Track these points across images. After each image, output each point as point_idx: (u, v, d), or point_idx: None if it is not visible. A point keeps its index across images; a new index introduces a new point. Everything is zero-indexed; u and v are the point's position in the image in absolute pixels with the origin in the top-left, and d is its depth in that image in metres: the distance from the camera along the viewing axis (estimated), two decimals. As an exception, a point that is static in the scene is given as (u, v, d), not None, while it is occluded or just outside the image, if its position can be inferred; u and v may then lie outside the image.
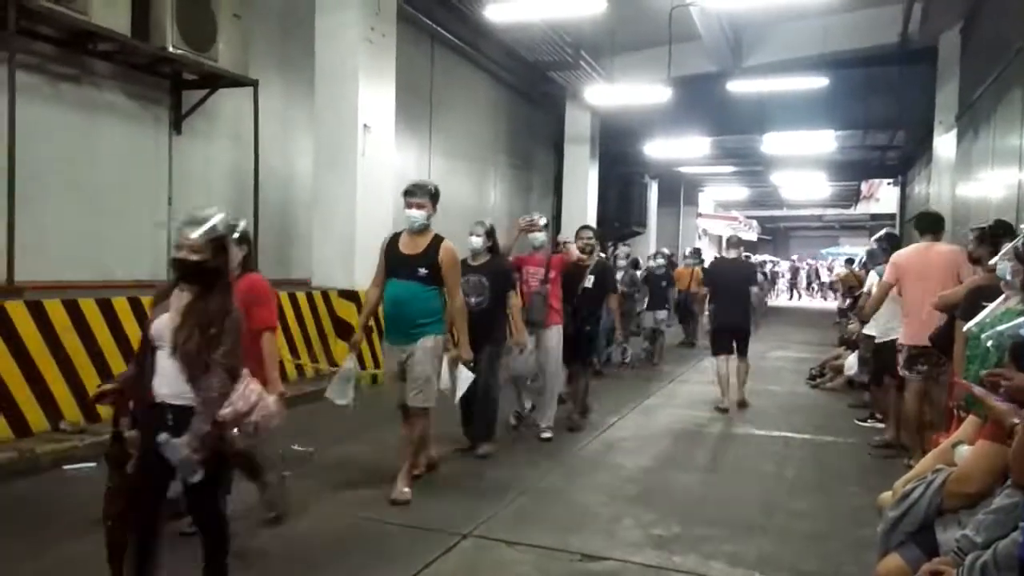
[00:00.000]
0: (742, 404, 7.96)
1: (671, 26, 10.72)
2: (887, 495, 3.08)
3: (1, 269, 5.65)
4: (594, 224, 16.25)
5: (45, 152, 6.16)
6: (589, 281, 6.65)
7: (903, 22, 10.98)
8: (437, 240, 4.65)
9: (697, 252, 14.86)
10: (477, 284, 5.54)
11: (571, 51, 12.04)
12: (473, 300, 5.36)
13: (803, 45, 12.53)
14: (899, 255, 5.73)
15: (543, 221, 6.33)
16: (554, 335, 6.22)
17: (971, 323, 3.16)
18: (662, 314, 11.33)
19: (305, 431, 5.64)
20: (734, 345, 7.87)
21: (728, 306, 7.87)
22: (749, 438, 6.79)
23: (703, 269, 12.78)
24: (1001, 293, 4.16)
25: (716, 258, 11.10)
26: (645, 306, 11.33)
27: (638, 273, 11.73)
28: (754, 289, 8.40)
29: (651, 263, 12.02)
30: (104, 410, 5.91)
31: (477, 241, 5.62)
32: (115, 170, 6.81)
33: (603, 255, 9.37)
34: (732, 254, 8.26)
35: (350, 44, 8.19)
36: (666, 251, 12.95)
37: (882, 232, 7.23)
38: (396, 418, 4.91)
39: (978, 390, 2.64)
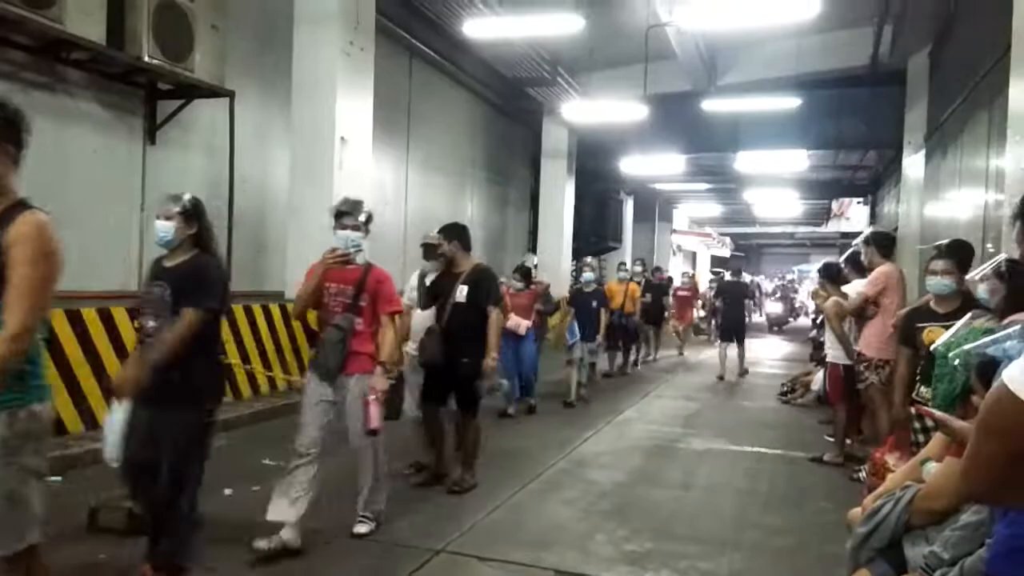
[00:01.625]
0: (743, 374, 12.04)
1: (647, 45, 10.84)
2: (856, 511, 3.12)
3: (-33, 279, 5.53)
4: (570, 240, 16.34)
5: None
6: (461, 293, 5.10)
7: (874, 44, 11.21)
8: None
9: (641, 262, 13.19)
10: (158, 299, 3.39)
11: (549, 68, 12.12)
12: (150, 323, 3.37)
13: (777, 65, 12.73)
14: (883, 272, 5.83)
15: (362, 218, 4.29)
16: (355, 387, 4.07)
17: (938, 342, 3.23)
18: (591, 345, 9.21)
19: (276, 444, 5.57)
20: (734, 337, 11.90)
21: (731, 312, 12.16)
22: (722, 453, 6.84)
23: (670, 282, 12.63)
24: (932, 314, 4.29)
25: (723, 280, 15.19)
26: (576, 336, 9.02)
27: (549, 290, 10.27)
28: (748, 302, 13.15)
29: (582, 277, 9.73)
30: (71, 423, 5.82)
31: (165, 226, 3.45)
32: (88, 179, 6.72)
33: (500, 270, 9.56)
34: (731, 278, 13.62)
35: (328, 57, 8.18)
36: (590, 261, 11.52)
37: (849, 252, 7.37)
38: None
39: (938, 414, 2.70)
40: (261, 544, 3.85)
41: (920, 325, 4.28)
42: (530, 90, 13.54)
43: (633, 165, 16.42)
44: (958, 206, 8.99)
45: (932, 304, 4.37)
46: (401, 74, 11.42)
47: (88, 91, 6.74)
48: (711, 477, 6.01)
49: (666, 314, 14.25)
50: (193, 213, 3.43)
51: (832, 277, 6.75)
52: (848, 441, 6.62)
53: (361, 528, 4.25)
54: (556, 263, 15.59)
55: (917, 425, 4.18)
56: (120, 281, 6.96)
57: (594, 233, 18.39)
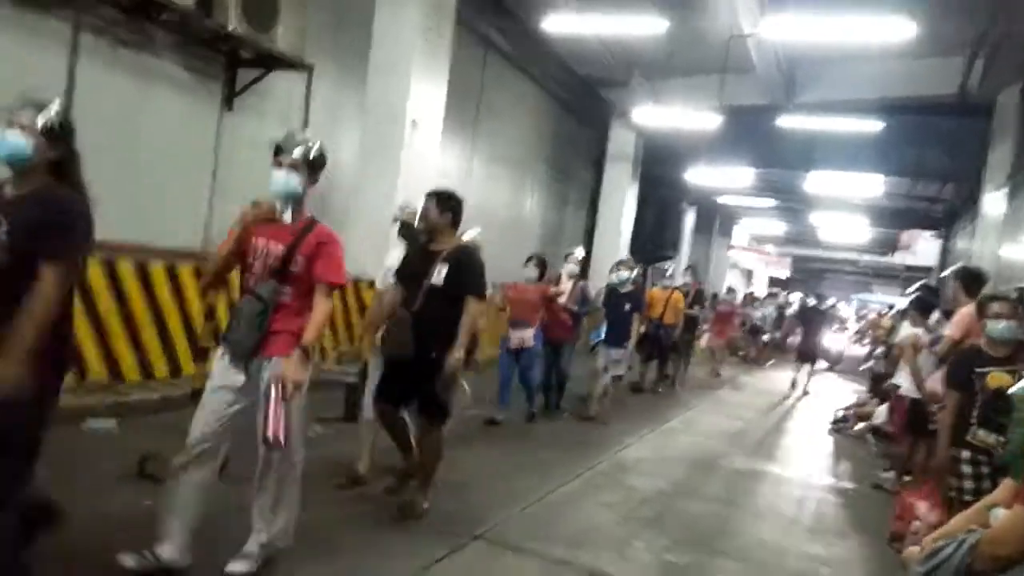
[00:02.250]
0: (806, 393, 12.68)
1: (728, 55, 10.64)
2: (914, 549, 2.99)
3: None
4: (627, 245, 16.17)
5: (99, 113, 6.23)
6: (440, 275, 4.15)
7: (964, 74, 10.81)
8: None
9: (691, 270, 12.21)
10: None
11: (623, 69, 12.01)
12: None
13: (858, 87, 12.37)
14: (969, 314, 5.55)
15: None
16: (271, 375, 3.12)
17: (1018, 386, 3.07)
18: (618, 352, 7.98)
19: (320, 416, 5.64)
20: (810, 360, 13.11)
21: (811, 338, 13.17)
22: (768, 475, 6.68)
23: (697, 295, 11.48)
24: (987, 358, 4.08)
25: (807, 306, 15.33)
26: (601, 337, 8.16)
27: (590, 287, 8.54)
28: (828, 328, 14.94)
29: (612, 276, 8.32)
30: (129, 371, 5.98)
31: None
32: (165, 139, 6.88)
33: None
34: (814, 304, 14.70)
35: (407, 39, 8.23)
36: (627, 259, 9.30)
37: (919, 284, 7.15)
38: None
39: None
40: (128, 560, 3.02)
41: (979, 370, 4.08)
42: (601, 90, 13.45)
43: (699, 176, 16.19)
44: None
45: (985, 346, 4.17)
46: (475, 64, 11.43)
47: (173, 53, 6.90)
48: (756, 498, 5.87)
49: (698, 330, 13.00)
50: (61, 134, 2.70)
51: (925, 310, 6.58)
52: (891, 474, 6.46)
53: (236, 567, 3.17)
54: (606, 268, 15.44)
55: (968, 471, 4.01)
56: (188, 240, 7.11)
57: (652, 241, 18.19)
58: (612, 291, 8.25)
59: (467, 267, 4.21)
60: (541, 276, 7.27)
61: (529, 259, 7.31)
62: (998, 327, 4.06)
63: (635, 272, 8.48)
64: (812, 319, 13.46)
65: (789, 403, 11.65)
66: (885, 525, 5.33)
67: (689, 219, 22.55)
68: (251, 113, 7.69)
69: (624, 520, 4.80)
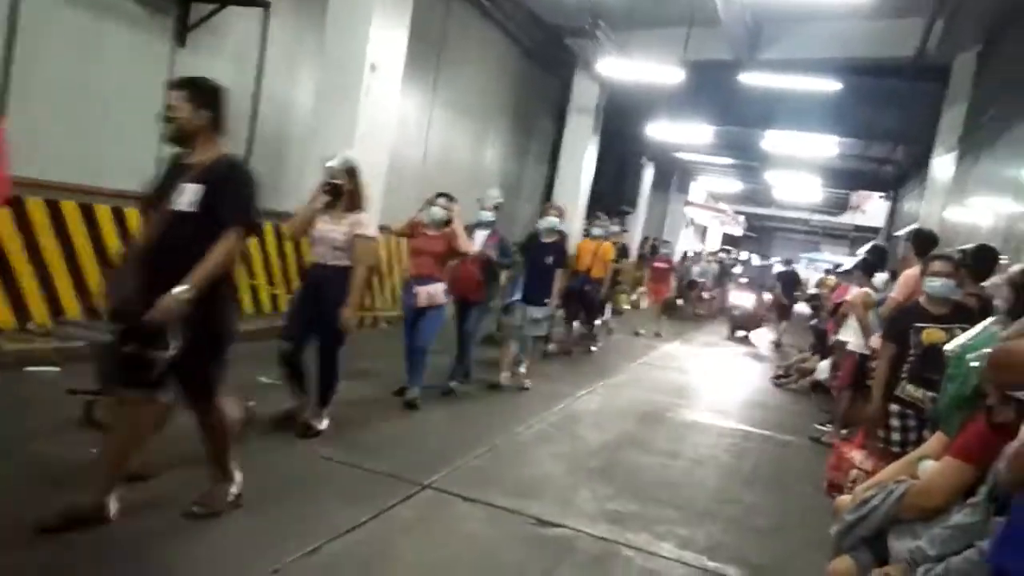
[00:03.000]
0: (779, 345, 13.64)
1: (693, 7, 10.57)
2: (845, 498, 3.15)
3: (-15, 160, 5.50)
4: (587, 198, 16.20)
5: (45, 48, 5.98)
6: (188, 197, 3.10)
7: (922, 37, 10.92)
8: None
9: (620, 220, 11.23)
10: None
11: (590, 19, 11.86)
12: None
13: (820, 46, 12.42)
14: (913, 276, 5.70)
15: None
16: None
17: (953, 344, 3.21)
18: (539, 311, 6.95)
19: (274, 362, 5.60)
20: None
21: (786, 295, 14.41)
22: (711, 428, 6.88)
23: (623, 250, 10.63)
24: (925, 314, 4.25)
25: (783, 270, 15.67)
26: (516, 294, 7.20)
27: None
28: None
29: (540, 222, 7.22)
30: (71, 311, 5.85)
31: None
32: (114, 76, 6.63)
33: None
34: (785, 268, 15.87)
35: (367, -21, 7.99)
36: (558, 205, 7.85)
37: (870, 245, 7.34)
38: (376, 354, 4.91)
39: None
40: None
41: (917, 325, 4.24)
42: (567, 40, 13.28)
43: (659, 131, 16.18)
44: (982, 213, 8.89)
45: (925, 303, 4.33)
46: (438, 8, 11.18)
47: (122, -16, 6.61)
48: (698, 449, 6.05)
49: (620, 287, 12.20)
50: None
51: (869, 271, 6.78)
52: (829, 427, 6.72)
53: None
54: (570, 220, 15.46)
55: (896, 423, 4.20)
56: (134, 182, 6.91)
57: (611, 194, 18.23)
58: (533, 240, 7.12)
59: (230, 186, 3.15)
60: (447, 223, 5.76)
61: (440, 195, 5.79)
62: (936, 284, 4.23)
63: (562, 219, 7.40)
64: (786, 281, 14.74)
65: (733, 359, 11.95)
66: (822, 475, 5.57)
67: (648, 174, 22.61)
68: (205, 51, 7.44)
69: (571, 471, 4.93)
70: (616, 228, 10.50)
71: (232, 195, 3.14)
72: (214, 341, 3.19)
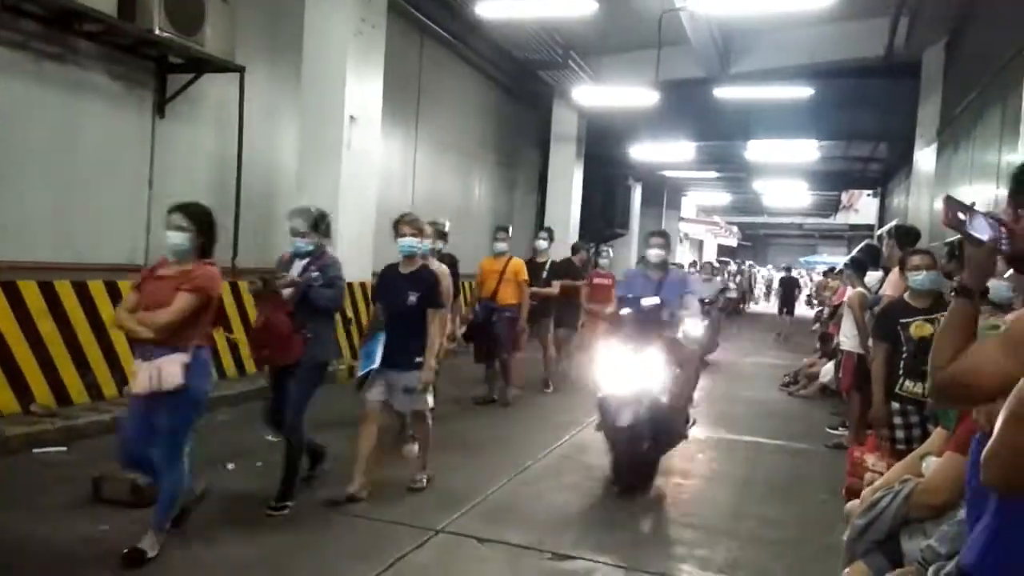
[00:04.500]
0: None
1: (661, 30, 10.76)
2: (855, 503, 3.14)
3: (-24, 248, 5.57)
4: (577, 225, 16.30)
5: (25, 130, 6.08)
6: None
7: (889, 36, 11.09)
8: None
9: (547, 232, 8.91)
10: None
11: (560, 51, 12.05)
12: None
13: (790, 54, 12.62)
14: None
15: None
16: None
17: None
18: (409, 377, 4.66)
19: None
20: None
21: (787, 298, 18.32)
22: (721, 442, 6.85)
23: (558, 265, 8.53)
24: (911, 309, 4.27)
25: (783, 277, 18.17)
26: (374, 359, 4.78)
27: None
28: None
29: (402, 245, 5.05)
30: (76, 394, 5.87)
31: None
32: (96, 151, 6.72)
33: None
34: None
35: (340, 34, 8.14)
36: (415, 221, 5.05)
37: (862, 244, 7.37)
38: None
39: None
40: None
41: (904, 321, 4.27)
42: (541, 73, 13.48)
43: (643, 151, 16.35)
44: (968, 201, 8.93)
45: (908, 298, 4.38)
46: (412, 53, 11.36)
47: (99, 63, 6.73)
48: (710, 466, 6.03)
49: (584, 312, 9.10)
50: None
51: (860, 270, 6.79)
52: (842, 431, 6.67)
53: None
54: (563, 248, 15.53)
55: (899, 421, 4.21)
56: (126, 254, 6.98)
57: (602, 218, 18.34)
58: (388, 273, 4.91)
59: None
60: (203, 249, 3.66)
61: (175, 210, 3.65)
62: (918, 278, 4.28)
63: (435, 239, 6.06)
64: (787, 285, 18.72)
65: (743, 370, 11.93)
66: (835, 481, 5.54)
67: (637, 195, 22.76)
68: (184, 119, 7.55)
69: (584, 500, 4.90)
70: (544, 243, 8.57)
71: None
72: None
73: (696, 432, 7.12)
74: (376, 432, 4.65)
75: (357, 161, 8.26)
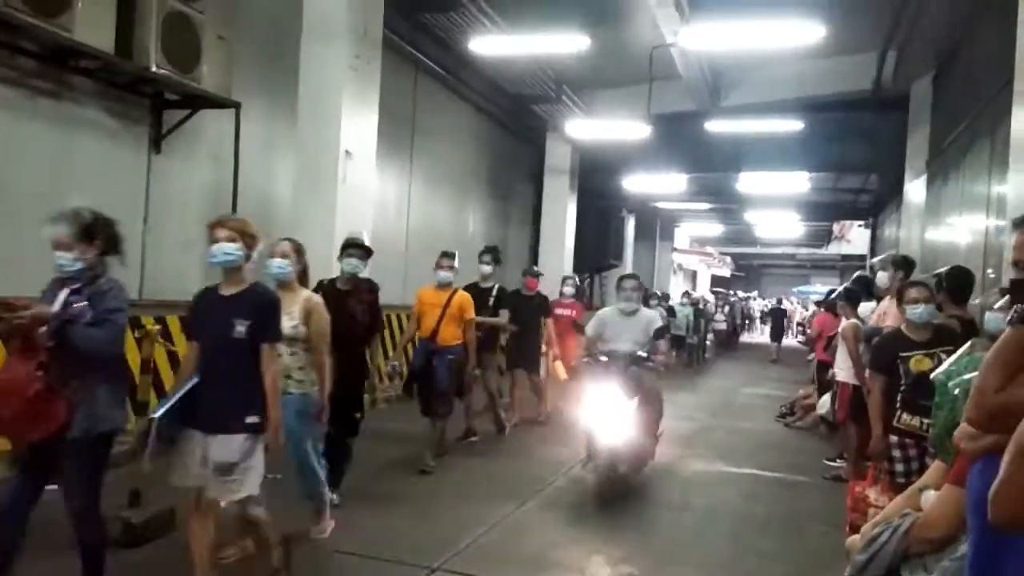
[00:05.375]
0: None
1: (652, 65, 10.92)
2: (855, 538, 3.11)
3: (-31, 284, 5.54)
4: (571, 257, 16.35)
5: (21, 166, 6.09)
6: None
7: (877, 70, 11.27)
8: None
9: (491, 253, 7.82)
10: None
11: (553, 85, 12.20)
12: None
13: (780, 88, 12.79)
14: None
15: None
16: None
17: (939, 370, 3.23)
18: (229, 447, 3.26)
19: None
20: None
21: (776, 326, 20.28)
22: (720, 475, 6.81)
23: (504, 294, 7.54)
24: (909, 342, 4.28)
25: (773, 308, 18.68)
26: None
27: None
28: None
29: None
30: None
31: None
32: (93, 187, 6.72)
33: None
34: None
35: (335, 70, 8.21)
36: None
37: (855, 276, 7.41)
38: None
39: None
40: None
41: (903, 355, 4.27)
42: (534, 107, 13.61)
43: (636, 183, 16.49)
44: (959, 232, 9.02)
45: (907, 331, 4.37)
46: (406, 88, 11.47)
47: (95, 100, 6.77)
48: (710, 499, 5.98)
49: (544, 348, 8.46)
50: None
51: (854, 302, 6.81)
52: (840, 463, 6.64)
53: None
54: (557, 280, 15.57)
55: (898, 454, 4.18)
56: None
57: (596, 250, 18.42)
58: (202, 298, 3.67)
59: None
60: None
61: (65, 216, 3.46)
62: (916, 311, 4.28)
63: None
64: (775, 315, 20.87)
65: (739, 400, 11.89)
66: (835, 515, 5.50)
67: (630, 227, 22.89)
68: (180, 155, 7.59)
69: (581, 535, 4.85)
70: (488, 267, 7.54)
71: None
72: None
73: (694, 464, 7.10)
74: (213, 527, 3.36)
75: (353, 195, 8.28)
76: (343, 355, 4.62)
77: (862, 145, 14.33)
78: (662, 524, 5.23)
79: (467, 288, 6.97)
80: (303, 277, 4.42)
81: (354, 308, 5.00)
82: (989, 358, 1.71)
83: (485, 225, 15.17)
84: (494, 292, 7.46)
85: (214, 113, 7.55)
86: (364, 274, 5.36)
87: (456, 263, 6.67)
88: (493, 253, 7.74)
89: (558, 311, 8.85)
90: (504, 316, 7.46)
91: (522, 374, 8.38)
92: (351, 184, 8.29)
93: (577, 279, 9.67)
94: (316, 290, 4.68)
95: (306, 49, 8.31)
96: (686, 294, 19.14)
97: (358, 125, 8.42)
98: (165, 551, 3.96)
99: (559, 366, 8.50)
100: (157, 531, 4.14)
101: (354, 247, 5.27)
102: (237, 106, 7.48)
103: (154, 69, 6.59)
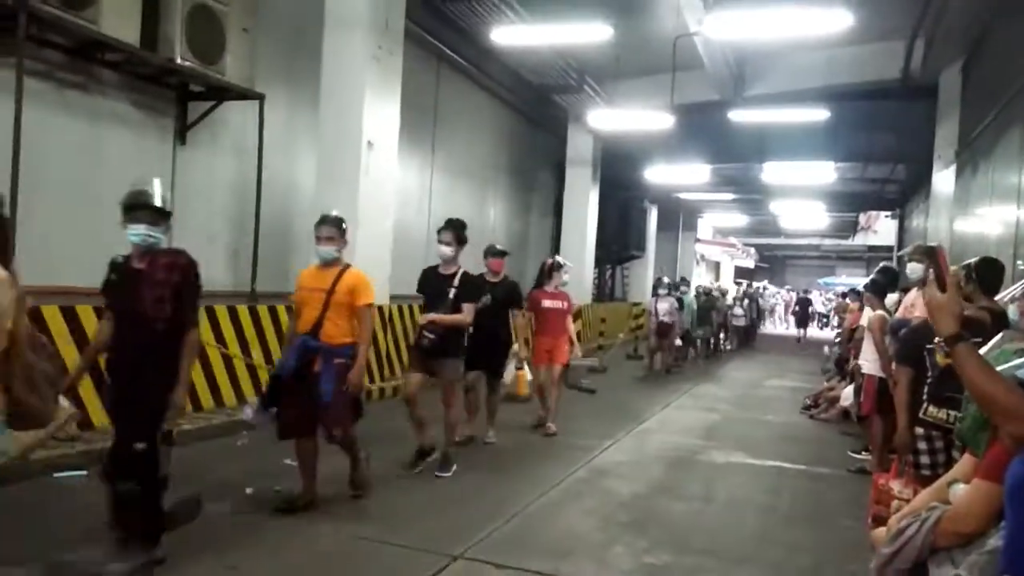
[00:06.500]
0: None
1: (675, 54, 10.83)
2: (881, 531, 3.07)
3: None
4: (593, 248, 16.29)
5: (50, 158, 6.19)
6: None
7: (905, 58, 11.10)
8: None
9: (454, 229, 5.91)
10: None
11: (575, 75, 12.15)
12: None
13: (805, 77, 12.64)
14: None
15: None
16: None
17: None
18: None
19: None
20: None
21: (802, 315, 24.43)
22: (743, 467, 6.77)
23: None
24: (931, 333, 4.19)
25: (799, 296, 19.90)
26: None
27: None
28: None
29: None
30: (97, 419, 5.90)
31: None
32: (119, 178, 6.78)
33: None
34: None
35: (357, 61, 8.24)
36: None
37: (880, 266, 7.30)
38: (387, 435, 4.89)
39: None
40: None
41: (931, 347, 4.19)
42: (556, 97, 13.58)
43: (658, 174, 16.38)
44: (988, 222, 8.87)
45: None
46: (429, 79, 11.48)
47: (121, 92, 6.85)
48: (732, 491, 5.94)
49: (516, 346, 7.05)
50: None
51: (880, 293, 6.71)
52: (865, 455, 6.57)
53: None
54: (579, 271, 15.54)
55: (924, 446, 4.12)
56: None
57: (617, 241, 18.36)
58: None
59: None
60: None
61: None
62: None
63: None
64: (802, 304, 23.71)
65: (763, 393, 11.81)
66: (859, 507, 5.45)
67: (652, 217, 22.77)
68: (205, 146, 7.66)
69: (603, 526, 4.85)
70: (448, 249, 5.79)
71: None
72: None
73: (717, 456, 7.06)
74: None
75: (375, 185, 8.32)
76: (134, 359, 3.62)
77: (889, 134, 14.13)
78: (685, 516, 5.21)
79: (423, 273, 5.87)
80: None
81: (144, 294, 3.60)
82: (981, 385, 1.74)
83: (506, 216, 15.16)
84: (456, 281, 5.66)
85: (238, 105, 7.62)
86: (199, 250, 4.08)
87: (344, 229, 4.76)
88: (455, 229, 5.85)
89: (545, 303, 7.41)
90: (468, 312, 5.63)
91: (480, 377, 6.69)
92: (373, 175, 8.33)
93: (570, 264, 8.03)
94: (110, 271, 3.80)
95: (329, 41, 8.34)
96: (684, 281, 16.50)
97: (380, 116, 8.45)
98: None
99: (523, 375, 7.45)
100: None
101: (141, 208, 3.62)
102: (261, 97, 7.54)
103: (179, 61, 6.66)
